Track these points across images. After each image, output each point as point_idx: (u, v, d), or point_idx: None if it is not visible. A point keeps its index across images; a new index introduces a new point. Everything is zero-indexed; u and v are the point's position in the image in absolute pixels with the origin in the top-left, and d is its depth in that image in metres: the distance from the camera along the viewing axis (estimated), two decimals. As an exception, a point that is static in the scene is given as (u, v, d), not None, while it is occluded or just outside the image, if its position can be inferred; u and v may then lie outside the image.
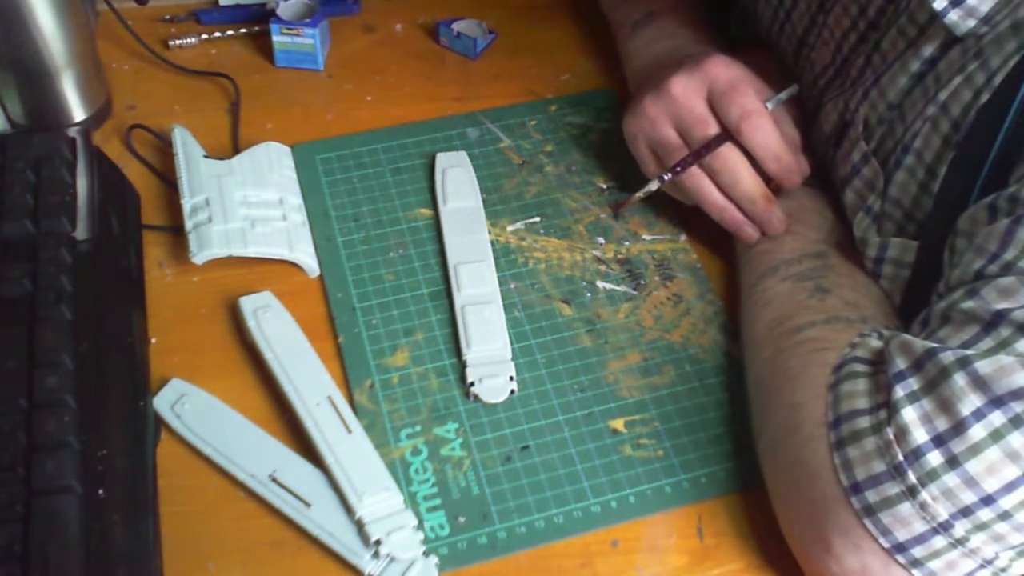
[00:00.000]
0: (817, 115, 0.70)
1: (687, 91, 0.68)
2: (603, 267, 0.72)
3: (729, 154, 0.67)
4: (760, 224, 0.68)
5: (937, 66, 0.58)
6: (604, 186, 0.77)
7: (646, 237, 0.74)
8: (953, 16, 0.55)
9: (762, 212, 0.67)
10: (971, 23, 0.55)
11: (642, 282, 0.71)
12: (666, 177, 0.70)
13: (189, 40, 0.85)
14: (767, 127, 0.66)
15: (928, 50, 0.59)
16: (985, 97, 0.54)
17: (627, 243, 0.74)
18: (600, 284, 0.71)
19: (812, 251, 0.66)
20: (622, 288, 0.71)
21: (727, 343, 0.68)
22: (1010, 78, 0.53)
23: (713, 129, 0.67)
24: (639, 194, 0.72)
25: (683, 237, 0.74)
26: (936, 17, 0.56)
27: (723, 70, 0.68)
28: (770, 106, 0.67)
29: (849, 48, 0.66)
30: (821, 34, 0.69)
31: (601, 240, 0.74)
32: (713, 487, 0.61)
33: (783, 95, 0.69)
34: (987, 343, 0.49)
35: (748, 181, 0.67)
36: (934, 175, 0.58)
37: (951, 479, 0.48)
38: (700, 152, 0.67)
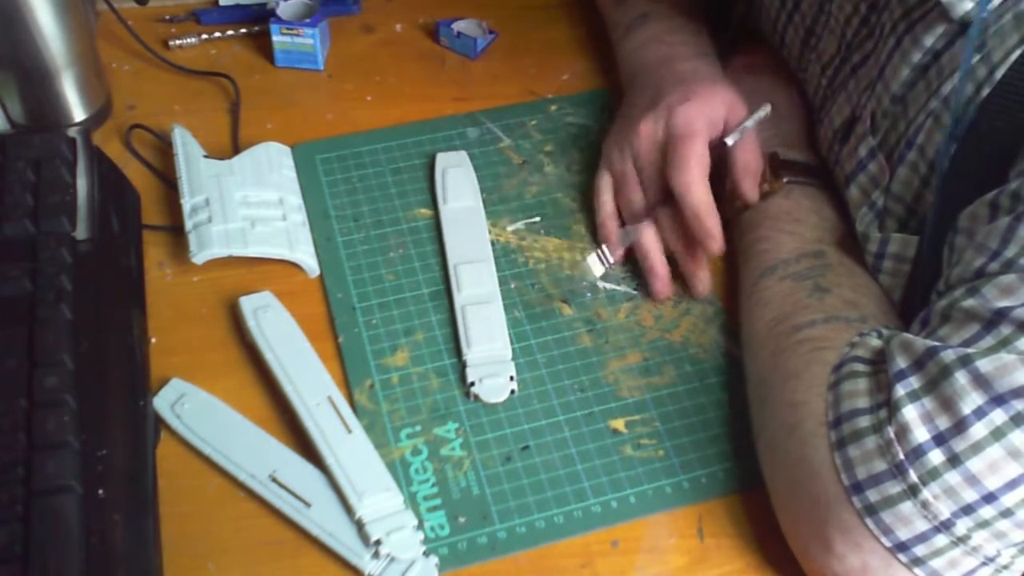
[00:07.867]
0: (828, 109, 0.70)
1: (649, 139, 0.69)
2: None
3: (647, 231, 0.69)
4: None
5: (940, 59, 0.58)
6: (604, 186, 0.77)
7: (646, 237, 0.74)
8: None
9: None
10: (968, 6, 0.55)
11: (642, 282, 0.71)
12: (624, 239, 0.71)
13: (189, 40, 0.85)
14: (697, 185, 0.66)
15: (929, 40, 0.58)
16: (986, 91, 0.54)
17: (627, 243, 0.74)
18: (600, 284, 0.71)
19: (810, 251, 0.66)
20: (622, 288, 0.71)
21: (727, 343, 0.68)
22: (1012, 72, 0.53)
23: (650, 195, 0.69)
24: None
25: (683, 237, 0.74)
26: None
27: (682, 116, 0.68)
28: (729, 142, 0.67)
29: (852, 34, 0.66)
30: (828, 23, 0.69)
31: (601, 240, 0.74)
32: (713, 487, 0.61)
33: (749, 123, 0.68)
34: (988, 341, 0.49)
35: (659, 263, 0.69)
36: (935, 170, 0.58)
37: (952, 477, 0.48)
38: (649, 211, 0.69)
